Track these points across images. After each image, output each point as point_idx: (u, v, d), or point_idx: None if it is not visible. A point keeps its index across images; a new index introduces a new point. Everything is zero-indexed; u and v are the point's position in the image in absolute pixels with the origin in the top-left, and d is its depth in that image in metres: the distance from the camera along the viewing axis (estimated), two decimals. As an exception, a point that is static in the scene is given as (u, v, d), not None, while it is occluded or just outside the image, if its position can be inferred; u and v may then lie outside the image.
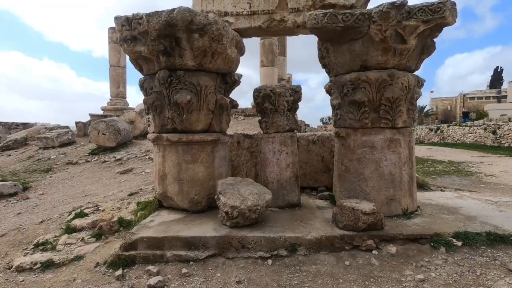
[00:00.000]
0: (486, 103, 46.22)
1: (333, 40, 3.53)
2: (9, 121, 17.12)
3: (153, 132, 3.70)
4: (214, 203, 3.68)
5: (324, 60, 3.88)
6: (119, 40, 3.26)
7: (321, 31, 3.34)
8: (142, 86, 3.58)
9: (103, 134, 9.89)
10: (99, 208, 4.07)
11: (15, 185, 6.55)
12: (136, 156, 8.94)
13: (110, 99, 19.93)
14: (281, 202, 3.65)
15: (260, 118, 3.90)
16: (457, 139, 20.84)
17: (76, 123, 13.28)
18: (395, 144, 3.45)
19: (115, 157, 8.99)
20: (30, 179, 7.65)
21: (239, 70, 3.95)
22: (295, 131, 3.91)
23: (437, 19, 3.09)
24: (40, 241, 3.22)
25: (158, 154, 3.63)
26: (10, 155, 10.92)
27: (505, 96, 49.24)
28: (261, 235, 2.86)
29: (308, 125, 16.13)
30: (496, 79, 56.56)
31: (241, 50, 3.79)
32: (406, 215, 3.42)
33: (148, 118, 3.79)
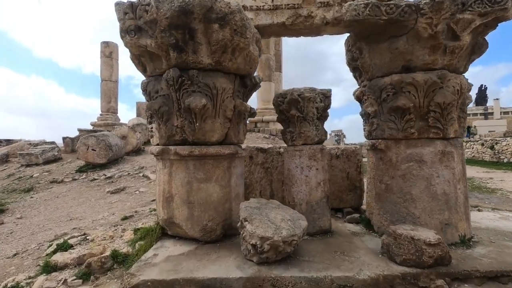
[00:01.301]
0: (473, 120, 47.27)
1: (370, 37, 3.06)
2: (-9, 137, 16.10)
3: (157, 145, 3.08)
4: (230, 230, 3.04)
5: (356, 63, 3.39)
6: (120, 31, 2.70)
7: (360, 25, 2.86)
8: (146, 89, 2.99)
9: (92, 149, 9.13)
10: (87, 238, 3.35)
11: (-12, 208, 5.72)
12: (128, 173, 8.19)
13: (101, 114, 19.17)
14: (311, 229, 3.03)
15: (283, 128, 3.34)
16: (454, 155, 20.69)
17: (64, 138, 12.44)
18: (448, 158, 2.92)
19: (106, 175, 8.21)
20: (7, 200, 6.79)
21: None
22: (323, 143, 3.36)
23: (496, 11, 2.65)
24: (9, 286, 2.48)
25: (163, 171, 2.99)
26: (-13, 173, 9.97)
27: (492, 113, 50.65)
28: (300, 274, 2.22)
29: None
30: (481, 96, 58.48)
31: (260, 51, 3.27)
32: (464, 243, 2.85)
33: (151, 128, 3.18)
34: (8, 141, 16.59)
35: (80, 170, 9.05)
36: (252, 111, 3.23)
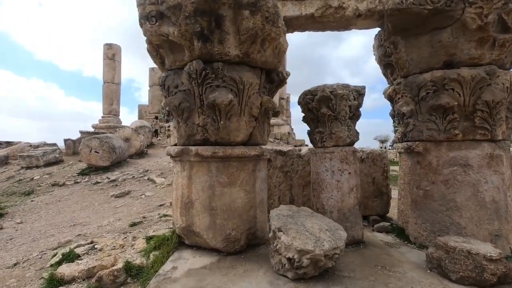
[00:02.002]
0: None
1: (408, 30, 2.81)
2: (-9, 138, 15.83)
3: (175, 145, 2.81)
4: (254, 240, 2.75)
5: (389, 59, 3.14)
6: (140, 17, 2.44)
7: (401, 15, 2.61)
8: (164, 84, 2.73)
9: (95, 152, 8.85)
10: (95, 246, 3.05)
11: (-14, 212, 5.42)
12: (133, 176, 7.90)
13: (102, 116, 18.91)
14: (344, 239, 2.74)
15: (311, 128, 3.07)
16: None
17: (65, 140, 12.16)
18: (497, 162, 2.65)
19: (109, 178, 7.91)
20: (7, 204, 6.48)
21: None
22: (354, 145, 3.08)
23: (554, 1, 2.41)
24: (10, 303, 2.19)
25: (181, 174, 2.71)
26: (-14, 176, 9.67)
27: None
28: (345, 294, 1.94)
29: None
30: None
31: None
32: (516, 256, 2.57)
33: (168, 126, 2.91)
34: (8, 143, 16.30)
35: (83, 173, 8.76)
36: (276, 110, 2.96)
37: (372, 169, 3.90)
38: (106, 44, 19.11)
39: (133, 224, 4.15)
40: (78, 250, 2.95)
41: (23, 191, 7.52)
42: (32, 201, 6.63)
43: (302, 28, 3.27)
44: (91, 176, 8.49)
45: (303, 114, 3.16)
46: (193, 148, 2.58)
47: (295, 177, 3.96)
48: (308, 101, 2.93)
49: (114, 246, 3.03)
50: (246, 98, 2.60)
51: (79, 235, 4.11)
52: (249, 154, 2.63)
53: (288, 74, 2.89)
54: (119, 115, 19.77)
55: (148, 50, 2.75)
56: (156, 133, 15.96)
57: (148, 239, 3.15)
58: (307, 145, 15.94)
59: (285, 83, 2.98)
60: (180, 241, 2.84)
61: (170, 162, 9.73)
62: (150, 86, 19.48)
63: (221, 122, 2.51)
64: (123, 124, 19.02)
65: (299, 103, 3.15)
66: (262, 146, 3.14)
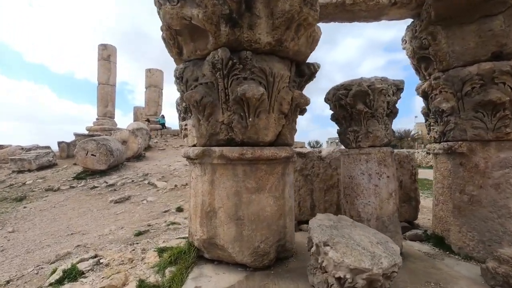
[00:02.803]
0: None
1: (451, 19, 2.55)
2: (-21, 141, 15.19)
3: (194, 145, 2.48)
4: (282, 252, 2.44)
5: (425, 51, 2.88)
6: (158, -2, 2.12)
7: (447, 1, 2.35)
8: (181, 76, 2.40)
9: (92, 155, 8.43)
10: (101, 261, 2.70)
11: (-25, 220, 4.99)
12: (132, 181, 7.50)
13: (97, 119, 18.39)
14: (383, 250, 2.43)
15: (342, 127, 2.78)
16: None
17: (59, 143, 11.68)
18: (554, 164, 2.39)
19: (107, 182, 7.51)
20: (-3, 211, 6.04)
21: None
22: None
23: None
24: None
25: (201, 179, 2.38)
26: (-25, 180, 9.15)
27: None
28: (409, 320, 1.63)
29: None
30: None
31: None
32: None
33: (185, 125, 2.58)
34: (-2, 146, 15.69)
35: (78, 177, 8.33)
36: (305, 107, 2.66)
37: (399, 172, 3.62)
38: (101, 45, 18.64)
39: (139, 233, 3.79)
40: (81, 266, 2.59)
41: (15, 196, 7.06)
42: (24, 207, 6.20)
43: (329, 18, 2.98)
44: (88, 180, 8.06)
45: (332, 112, 2.87)
46: (216, 149, 2.26)
47: (316, 181, 3.66)
48: (341, 96, 2.64)
49: (122, 261, 2.68)
50: (276, 92, 2.29)
51: (78, 246, 3.73)
52: (279, 156, 2.32)
53: (318, 67, 2.59)
54: (114, 117, 19.27)
55: (163, 38, 2.43)
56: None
57: (160, 251, 2.81)
58: (306, 148, 15.64)
59: (315, 77, 2.69)
60: (199, 254, 2.50)
61: (170, 165, 9.34)
62: (146, 88, 19.06)
63: (249, 119, 2.20)
64: (118, 126, 18.55)
65: (326, 99, 2.86)
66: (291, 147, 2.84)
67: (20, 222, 5.36)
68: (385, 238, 2.04)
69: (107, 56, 18.59)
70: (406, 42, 3.15)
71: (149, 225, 4.27)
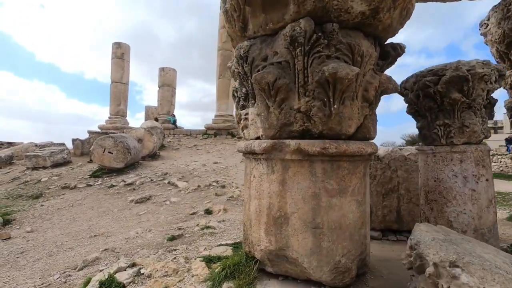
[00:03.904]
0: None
1: None
2: (-8, 138, 15.13)
3: (259, 138, 2.10)
4: (362, 268, 2.04)
5: (521, 33, 2.45)
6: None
7: None
8: (245, 56, 2.02)
9: (109, 152, 8.13)
10: (141, 271, 2.32)
11: (-9, 218, 4.70)
12: (151, 180, 7.17)
13: (109, 117, 18.24)
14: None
15: (425, 120, 2.37)
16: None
17: (73, 140, 11.47)
18: None
19: (125, 181, 7.19)
20: (13, 208, 5.75)
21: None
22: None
23: None
24: None
25: (268, 178, 2.00)
26: (-11, 176, 8.94)
27: (502, 127, 49.69)
28: None
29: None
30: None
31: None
32: None
33: (245, 114, 2.20)
34: (10, 144, 15.59)
35: (95, 175, 8.04)
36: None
37: (469, 176, 3.18)
38: (115, 43, 18.54)
39: (172, 238, 3.42)
40: (120, 277, 2.22)
41: (31, 194, 6.78)
42: (41, 205, 5.90)
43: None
44: (104, 178, 7.76)
45: (409, 104, 2.46)
46: (291, 142, 1.87)
47: (373, 184, 3.25)
48: (428, 84, 2.23)
49: (166, 272, 2.30)
50: (361, 75, 1.90)
51: (106, 249, 3.38)
52: (365, 152, 1.93)
53: (405, 48, 2.19)
54: (126, 116, 19.12)
55: (225, 11, 2.06)
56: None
57: (207, 261, 2.43)
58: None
59: (395, 61, 2.29)
60: (261, 267, 2.11)
61: (188, 165, 8.98)
62: (159, 87, 18.86)
63: (334, 107, 1.81)
64: (130, 125, 18.37)
65: (404, 89, 2.45)
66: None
67: (38, 221, 5.04)
68: None
69: (120, 54, 18.48)
70: (488, 25, 2.73)
71: (179, 229, 3.89)
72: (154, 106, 21.95)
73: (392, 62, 2.22)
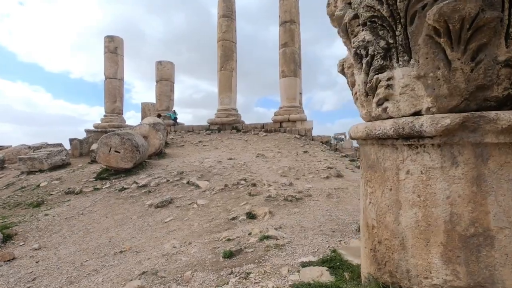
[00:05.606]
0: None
1: None
2: (-21, 142, 14.00)
3: (417, 113, 1.37)
4: None
5: None
6: None
7: None
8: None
9: (116, 151, 7.29)
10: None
11: (-11, 235, 3.87)
12: (167, 180, 6.38)
13: (105, 115, 17.24)
14: None
15: None
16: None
17: (71, 140, 10.55)
18: None
19: (137, 183, 6.38)
20: (13, 220, 4.91)
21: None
22: None
23: None
24: None
25: (445, 173, 1.29)
26: (-21, 183, 7.99)
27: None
28: None
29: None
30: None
31: None
32: None
33: (387, 79, 1.47)
34: (-1, 147, 14.47)
35: (101, 177, 7.20)
36: None
37: None
38: (107, 36, 17.47)
39: (230, 254, 2.68)
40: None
41: (30, 201, 5.93)
42: (46, 215, 5.06)
43: None
44: (113, 180, 6.93)
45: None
46: (500, 114, 1.16)
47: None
48: None
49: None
50: None
51: (144, 273, 2.63)
52: None
53: None
54: (122, 114, 18.12)
55: None
56: None
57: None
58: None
59: None
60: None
61: (202, 163, 8.17)
62: (157, 82, 17.88)
63: None
64: (127, 123, 17.40)
65: None
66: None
67: (46, 235, 4.23)
68: None
69: (114, 48, 17.40)
70: None
71: (228, 240, 3.16)
72: (151, 102, 20.93)
73: None
